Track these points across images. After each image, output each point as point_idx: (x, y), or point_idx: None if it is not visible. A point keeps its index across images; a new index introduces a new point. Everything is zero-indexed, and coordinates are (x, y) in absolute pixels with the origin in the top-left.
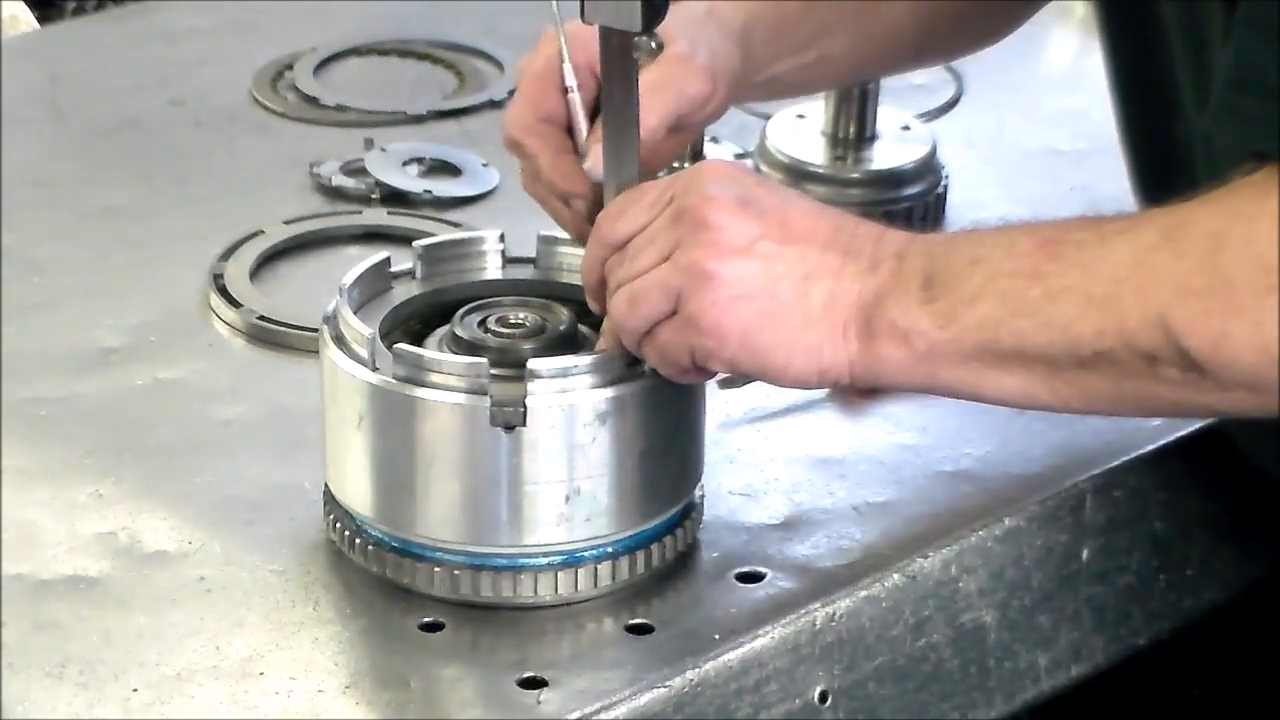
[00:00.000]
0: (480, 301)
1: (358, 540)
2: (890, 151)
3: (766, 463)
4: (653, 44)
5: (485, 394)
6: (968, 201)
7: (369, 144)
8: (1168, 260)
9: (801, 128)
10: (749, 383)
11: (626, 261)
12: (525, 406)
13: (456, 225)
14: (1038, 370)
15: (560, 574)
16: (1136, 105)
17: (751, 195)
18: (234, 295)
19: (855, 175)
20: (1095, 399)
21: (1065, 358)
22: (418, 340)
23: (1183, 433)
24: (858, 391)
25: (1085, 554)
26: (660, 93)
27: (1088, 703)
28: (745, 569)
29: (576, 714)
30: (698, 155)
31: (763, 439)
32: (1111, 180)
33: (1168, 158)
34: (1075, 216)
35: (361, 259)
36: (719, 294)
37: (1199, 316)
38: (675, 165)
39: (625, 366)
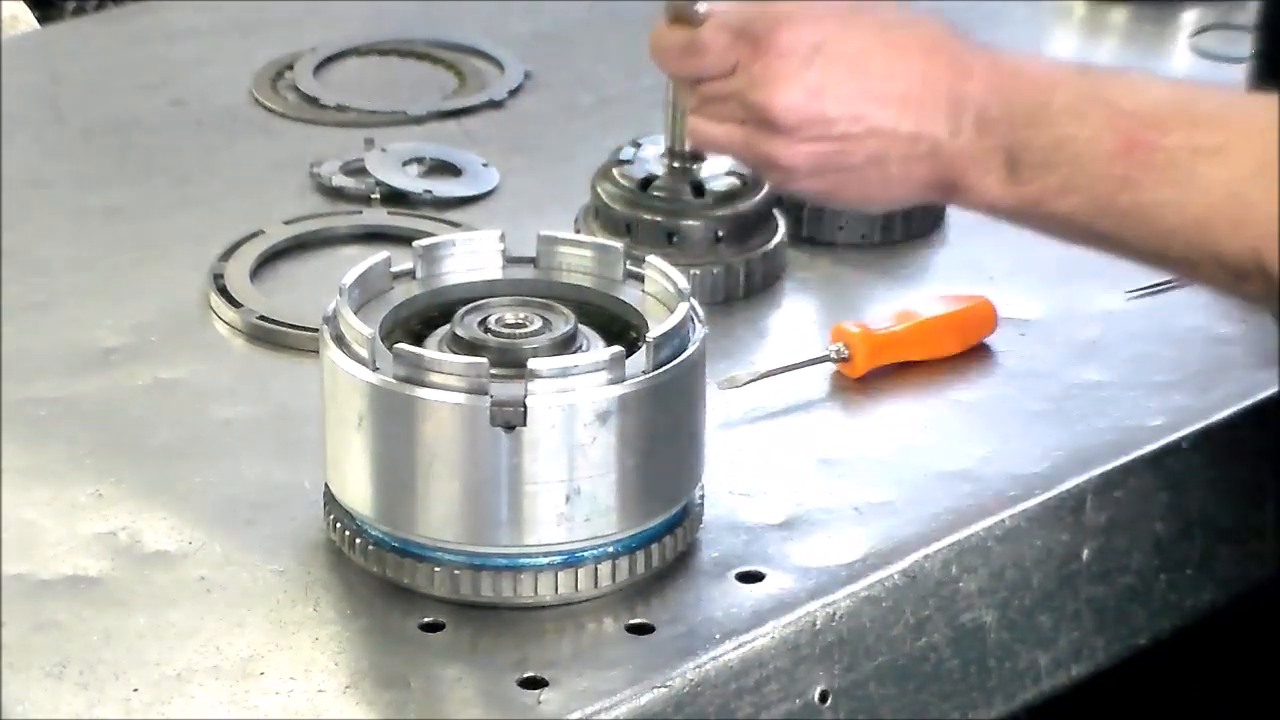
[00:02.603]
0: (480, 301)
1: (358, 540)
2: None
3: (766, 463)
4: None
5: (485, 394)
6: None
7: (369, 144)
8: (1263, 196)
9: None
10: (749, 382)
11: (701, 100)
12: (525, 406)
13: (456, 225)
14: (1121, 249)
15: (560, 574)
16: None
17: (818, 85)
18: (234, 295)
19: None
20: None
21: (1151, 254)
22: (418, 340)
23: (1183, 432)
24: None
25: (1085, 554)
26: None
27: (1088, 703)
28: (745, 569)
29: (576, 714)
30: (697, 157)
31: (763, 439)
32: None
33: None
34: (1157, 83)
35: (361, 259)
36: (799, 180)
37: None
38: None
39: (625, 367)
